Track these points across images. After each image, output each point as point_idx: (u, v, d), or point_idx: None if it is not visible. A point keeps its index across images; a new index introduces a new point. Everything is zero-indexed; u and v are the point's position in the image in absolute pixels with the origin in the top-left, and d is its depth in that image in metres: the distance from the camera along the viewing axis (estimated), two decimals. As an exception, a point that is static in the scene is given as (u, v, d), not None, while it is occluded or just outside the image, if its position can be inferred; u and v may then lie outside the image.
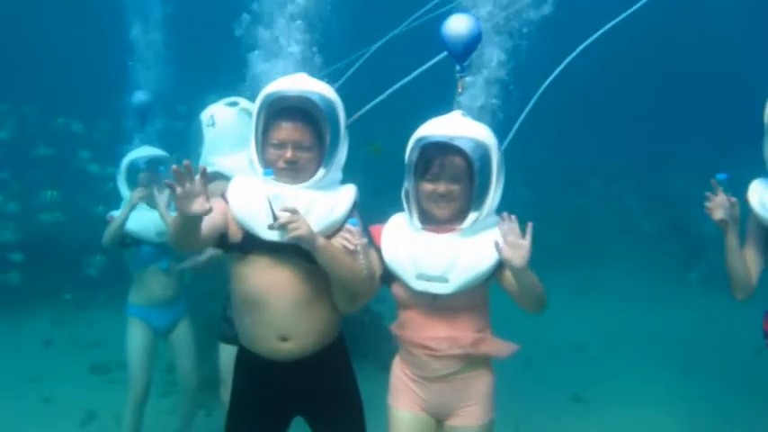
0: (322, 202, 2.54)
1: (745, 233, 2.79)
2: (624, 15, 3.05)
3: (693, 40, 15.25)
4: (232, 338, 3.05)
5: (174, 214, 2.58)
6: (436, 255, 2.48)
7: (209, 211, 2.27)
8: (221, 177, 3.37)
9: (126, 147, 4.30)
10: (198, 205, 2.24)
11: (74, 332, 7.63)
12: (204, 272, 3.85)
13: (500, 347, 2.60)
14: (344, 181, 2.71)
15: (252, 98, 2.82)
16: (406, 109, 3.51)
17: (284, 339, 2.54)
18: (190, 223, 2.31)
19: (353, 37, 3.69)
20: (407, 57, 3.36)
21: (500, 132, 2.66)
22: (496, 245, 2.31)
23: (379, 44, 3.61)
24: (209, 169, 3.37)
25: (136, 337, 4.18)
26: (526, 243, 2.28)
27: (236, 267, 2.58)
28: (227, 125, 3.55)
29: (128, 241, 4.08)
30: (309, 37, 2.91)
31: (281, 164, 2.53)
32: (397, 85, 3.28)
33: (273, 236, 2.44)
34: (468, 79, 2.70)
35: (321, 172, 2.56)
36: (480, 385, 2.62)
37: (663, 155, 13.15)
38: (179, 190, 2.20)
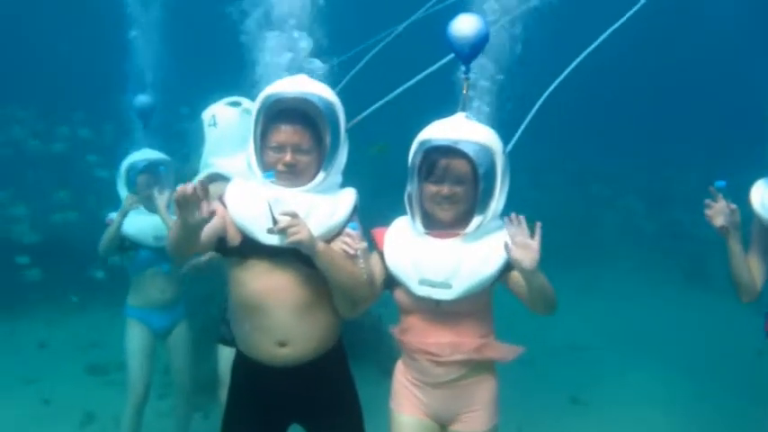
0: (322, 206, 2.51)
1: (750, 237, 2.79)
2: (630, 13, 3.03)
3: (697, 41, 15.27)
4: (231, 341, 3.01)
5: (174, 217, 2.56)
6: (439, 260, 2.45)
7: (213, 216, 2.25)
8: (221, 179, 3.34)
9: (130, 149, 4.26)
10: (200, 213, 2.22)
11: (71, 333, 7.60)
12: (204, 273, 3.82)
13: (504, 351, 2.56)
14: (347, 184, 2.68)
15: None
16: (409, 111, 3.49)
17: (283, 345, 2.50)
18: (191, 231, 2.28)
19: (358, 34, 3.67)
20: (412, 56, 3.34)
21: (506, 134, 2.64)
22: (506, 246, 2.28)
23: (379, 45, 3.58)
24: (210, 170, 3.37)
25: (135, 340, 4.16)
26: (535, 244, 2.24)
27: (235, 271, 2.54)
28: (228, 126, 3.51)
29: (126, 245, 4.06)
30: (312, 36, 2.87)
31: (280, 167, 2.49)
32: (401, 89, 3.26)
33: (273, 240, 2.40)
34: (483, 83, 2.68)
35: (321, 175, 2.53)
36: (484, 390, 2.59)
37: (666, 155, 13.16)
38: (179, 201, 2.18)
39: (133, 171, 4.11)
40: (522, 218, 2.29)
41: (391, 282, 2.59)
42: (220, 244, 2.50)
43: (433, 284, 2.44)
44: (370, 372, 5.63)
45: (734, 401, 5.42)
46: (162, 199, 3.74)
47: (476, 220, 2.46)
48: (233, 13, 2.85)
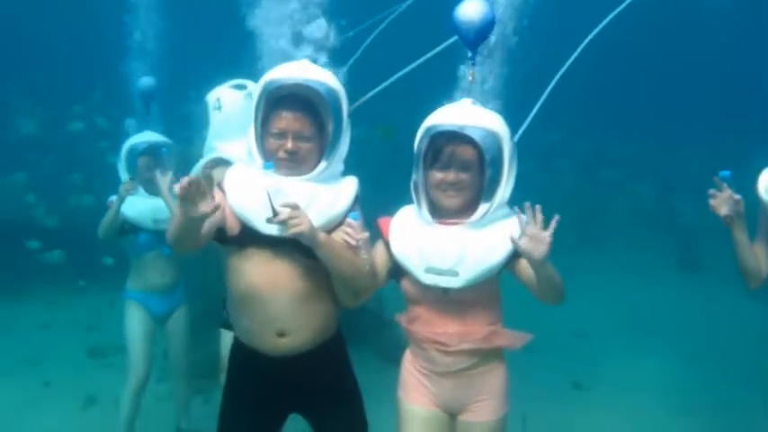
0: (324, 196, 2.46)
1: (757, 225, 2.79)
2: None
3: (710, 24, 15.13)
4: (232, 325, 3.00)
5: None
6: (446, 248, 2.41)
7: (217, 208, 2.21)
8: (225, 164, 3.30)
9: (131, 131, 4.25)
10: (203, 206, 2.18)
11: (70, 316, 7.61)
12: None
13: (512, 339, 2.54)
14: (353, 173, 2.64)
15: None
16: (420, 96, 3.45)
17: (281, 335, 2.47)
18: (193, 224, 2.24)
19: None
20: (422, 36, 3.29)
21: (515, 121, 2.61)
22: (512, 238, 2.24)
23: (385, 22, 3.54)
24: (214, 155, 3.33)
25: (135, 323, 4.15)
26: (548, 237, 2.20)
27: (233, 261, 2.50)
28: (233, 109, 3.41)
29: (126, 228, 4.03)
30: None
31: (281, 154, 2.44)
32: (404, 71, 3.22)
33: (272, 230, 2.36)
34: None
35: (323, 164, 2.48)
36: (494, 379, 2.57)
37: (676, 141, 13.11)
38: (181, 193, 2.14)
39: (133, 154, 4.08)
40: (538, 207, 2.24)
41: (397, 271, 2.56)
42: (219, 233, 2.45)
43: (439, 272, 2.41)
44: (371, 358, 5.65)
45: (735, 387, 5.45)
46: (164, 181, 3.70)
47: (482, 208, 2.42)
48: None
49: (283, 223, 2.29)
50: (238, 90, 3.46)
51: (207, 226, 2.34)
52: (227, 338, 3.53)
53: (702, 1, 14.41)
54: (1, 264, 7.53)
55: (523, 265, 2.39)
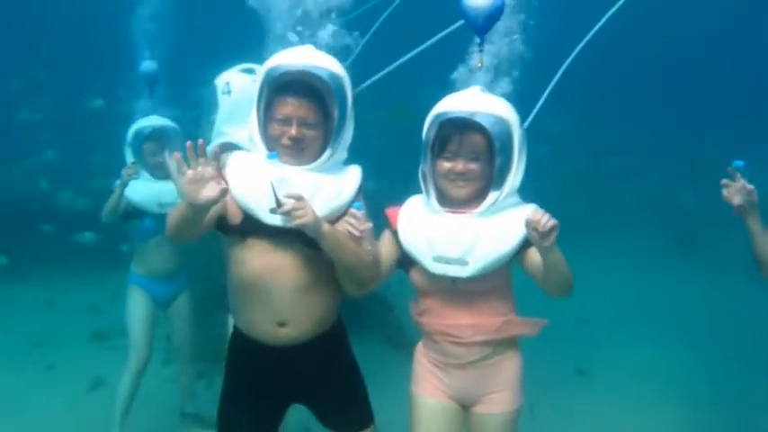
0: (328, 186, 2.43)
1: None
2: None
3: (723, 10, 14.99)
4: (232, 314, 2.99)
5: None
6: (454, 236, 2.38)
7: (224, 194, 2.16)
8: (234, 148, 3.27)
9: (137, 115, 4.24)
10: (209, 190, 2.13)
11: (71, 298, 7.64)
12: None
13: (527, 327, 2.51)
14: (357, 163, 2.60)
15: None
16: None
17: (282, 325, 2.45)
18: (197, 211, 2.19)
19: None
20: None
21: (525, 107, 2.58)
22: (526, 222, 2.17)
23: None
24: (222, 139, 3.29)
25: (137, 307, 4.17)
26: (553, 221, 2.15)
27: (235, 250, 2.46)
28: (243, 94, 3.35)
29: (131, 212, 4.02)
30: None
31: (284, 140, 2.40)
32: (409, 56, 3.19)
33: (275, 220, 2.33)
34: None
35: (327, 153, 2.44)
36: (508, 370, 2.54)
37: (690, 128, 13.05)
38: (189, 173, 2.10)
39: (139, 138, 4.06)
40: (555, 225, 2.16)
41: (406, 261, 2.53)
42: (220, 222, 2.42)
43: (448, 261, 2.38)
44: (375, 344, 5.67)
45: (739, 372, 5.47)
46: (173, 163, 3.68)
47: (491, 196, 2.38)
48: None
49: (287, 214, 2.25)
50: (247, 74, 3.42)
51: (208, 214, 2.29)
52: (232, 323, 3.54)
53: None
54: (8, 245, 7.52)
55: (531, 255, 2.36)
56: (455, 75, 2.68)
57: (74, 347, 6.21)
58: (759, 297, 6.94)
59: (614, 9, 2.98)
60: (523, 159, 2.44)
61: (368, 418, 2.69)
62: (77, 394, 5.21)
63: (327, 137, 2.45)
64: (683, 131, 12.93)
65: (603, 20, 2.99)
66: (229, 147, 3.28)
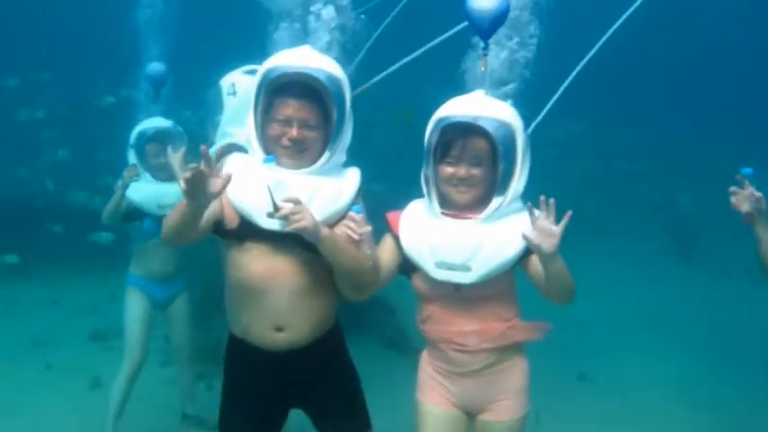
0: (326, 189, 2.39)
1: None
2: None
3: (732, 14, 14.96)
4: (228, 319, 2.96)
5: None
6: (457, 242, 2.34)
7: (226, 183, 2.14)
8: (239, 150, 3.25)
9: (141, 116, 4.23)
10: (210, 186, 2.11)
11: (74, 298, 7.62)
12: None
13: (531, 331, 2.48)
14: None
15: None
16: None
17: (279, 329, 2.42)
18: (197, 211, 2.17)
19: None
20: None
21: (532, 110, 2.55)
22: (524, 235, 2.17)
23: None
24: (227, 140, 3.27)
25: (134, 309, 4.15)
26: (558, 231, 2.14)
27: (232, 254, 2.43)
28: (247, 95, 3.37)
29: (131, 213, 4.02)
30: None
31: (284, 141, 2.37)
32: (410, 57, 3.16)
33: (273, 224, 2.29)
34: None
35: (325, 156, 2.41)
36: (514, 377, 2.50)
37: (699, 133, 13.04)
38: (187, 176, 2.06)
39: (142, 139, 4.06)
40: (552, 201, 2.17)
41: (408, 267, 2.49)
42: (218, 226, 2.39)
43: (451, 267, 2.34)
44: (374, 347, 5.64)
45: (741, 378, 5.45)
46: (176, 157, 3.66)
47: (495, 202, 2.35)
48: None
49: (285, 218, 2.22)
50: (253, 75, 3.40)
51: (205, 218, 2.26)
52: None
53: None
54: (16, 244, 7.51)
55: (534, 261, 2.33)
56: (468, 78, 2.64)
57: (73, 347, 6.19)
58: (760, 301, 6.96)
59: (627, 14, 2.95)
60: (527, 164, 2.41)
61: (365, 425, 2.66)
62: (76, 394, 5.18)
63: (327, 139, 2.42)
64: (685, 135, 12.93)
65: (616, 25, 2.96)
66: (234, 148, 3.25)
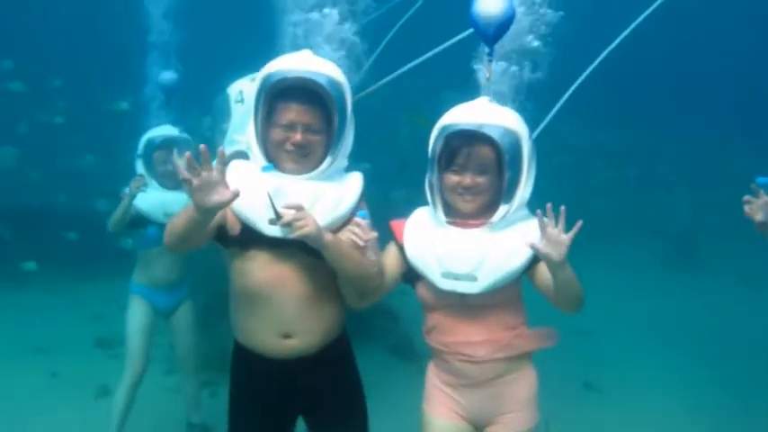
0: (328, 195, 2.38)
1: None
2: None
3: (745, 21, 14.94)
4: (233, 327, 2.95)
5: None
6: (463, 251, 2.31)
7: (235, 197, 2.12)
8: (246, 157, 3.25)
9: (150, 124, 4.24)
10: (218, 195, 2.09)
11: (73, 304, 7.63)
12: None
13: (540, 340, 2.45)
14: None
15: None
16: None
17: (287, 336, 2.40)
18: (205, 218, 2.15)
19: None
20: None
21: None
22: (532, 245, 2.14)
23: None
24: (235, 147, 3.27)
25: (137, 317, 4.13)
26: (567, 239, 2.11)
27: (236, 262, 2.41)
28: None
29: (136, 220, 4.00)
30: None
31: (288, 146, 2.35)
32: (414, 63, 3.16)
33: (276, 231, 2.28)
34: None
35: (327, 161, 2.39)
36: (523, 388, 2.46)
37: (710, 135, 13.01)
38: (195, 181, 2.06)
39: (150, 146, 4.07)
40: (562, 210, 2.15)
41: (412, 276, 2.47)
42: (220, 233, 2.37)
43: (457, 277, 2.31)
44: (379, 354, 5.62)
45: (746, 385, 5.43)
46: (182, 162, 3.66)
47: (501, 210, 2.33)
48: None
49: (288, 225, 2.21)
50: None
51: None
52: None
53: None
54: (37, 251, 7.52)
55: (541, 270, 2.31)
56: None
57: (78, 355, 6.17)
58: (763, 307, 6.94)
59: (641, 19, 2.95)
60: (533, 171, 2.39)
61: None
62: (83, 402, 5.16)
63: (329, 144, 2.41)
64: (693, 140, 12.91)
65: (622, 35, 2.96)
66: (242, 155, 3.25)
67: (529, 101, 2.64)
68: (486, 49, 2.48)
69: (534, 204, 2.31)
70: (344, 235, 2.37)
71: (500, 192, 2.34)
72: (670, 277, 9.24)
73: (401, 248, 2.47)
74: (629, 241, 10.56)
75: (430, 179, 2.42)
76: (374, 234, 2.35)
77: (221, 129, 3.49)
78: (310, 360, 2.45)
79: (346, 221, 2.41)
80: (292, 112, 2.34)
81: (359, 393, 2.65)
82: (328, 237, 2.26)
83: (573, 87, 2.87)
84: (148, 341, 4.17)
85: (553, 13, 2.69)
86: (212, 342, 4.75)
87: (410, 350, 5.67)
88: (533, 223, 2.25)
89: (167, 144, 4.04)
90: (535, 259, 2.31)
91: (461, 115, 2.36)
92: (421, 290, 2.47)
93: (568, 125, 11.23)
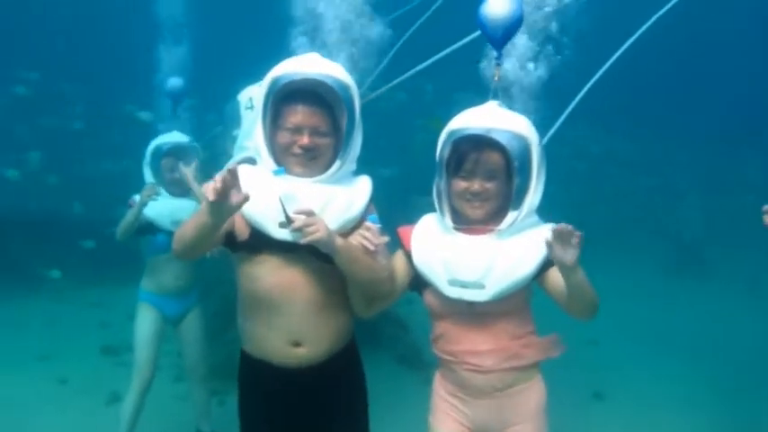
0: (339, 198, 2.35)
1: None
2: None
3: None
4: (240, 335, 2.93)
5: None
6: (471, 259, 2.28)
7: (246, 200, 2.10)
8: (254, 164, 3.25)
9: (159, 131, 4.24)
10: (235, 197, 2.08)
11: (79, 311, 7.63)
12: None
13: (547, 349, 2.40)
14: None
15: None
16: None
17: (297, 344, 2.37)
18: (216, 222, 2.14)
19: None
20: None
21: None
22: (547, 242, 2.08)
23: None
24: (245, 154, 3.27)
25: (145, 325, 4.12)
26: (576, 240, 2.06)
27: (245, 267, 2.39)
28: None
29: (144, 227, 3.99)
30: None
31: (295, 149, 2.33)
32: (422, 66, 3.15)
33: (286, 235, 2.26)
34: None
35: (336, 164, 2.37)
36: (532, 399, 2.41)
37: (723, 142, 12.94)
38: (211, 185, 2.04)
39: (158, 154, 4.06)
40: (579, 235, 2.06)
41: (420, 283, 2.44)
42: (229, 238, 2.35)
43: (464, 285, 2.27)
44: (389, 365, 5.58)
45: (753, 393, 5.41)
46: (189, 171, 3.66)
47: (510, 216, 2.29)
48: None
49: (299, 230, 2.18)
50: None
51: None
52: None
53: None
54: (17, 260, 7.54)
55: (553, 276, 2.27)
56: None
57: (86, 362, 6.16)
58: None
59: (649, 23, 2.93)
60: (543, 177, 2.35)
61: None
62: (93, 409, 5.15)
63: (337, 147, 2.39)
64: (705, 148, 12.84)
65: (627, 44, 2.94)
66: (250, 162, 3.25)
67: (544, 104, 2.62)
68: (495, 53, 2.46)
69: (544, 211, 2.29)
70: (355, 239, 2.34)
71: (509, 198, 2.31)
72: (679, 285, 9.20)
73: (409, 255, 2.44)
74: (639, 249, 10.51)
75: (438, 185, 2.39)
76: (385, 238, 2.33)
77: (231, 135, 3.48)
78: (319, 368, 2.42)
79: (356, 225, 2.39)
80: (299, 115, 2.32)
81: (363, 407, 2.62)
82: (339, 241, 2.24)
83: (581, 94, 2.84)
84: (157, 348, 4.15)
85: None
86: (221, 350, 4.74)
87: (418, 360, 5.63)
88: (543, 230, 2.21)
89: (175, 152, 4.04)
90: (545, 266, 2.27)
91: (469, 120, 2.33)
92: (428, 297, 2.43)
93: (581, 131, 11.19)
